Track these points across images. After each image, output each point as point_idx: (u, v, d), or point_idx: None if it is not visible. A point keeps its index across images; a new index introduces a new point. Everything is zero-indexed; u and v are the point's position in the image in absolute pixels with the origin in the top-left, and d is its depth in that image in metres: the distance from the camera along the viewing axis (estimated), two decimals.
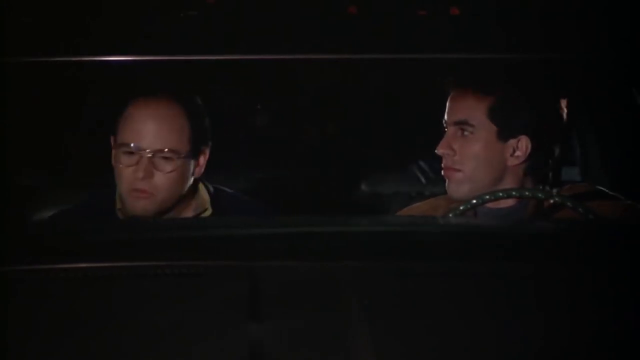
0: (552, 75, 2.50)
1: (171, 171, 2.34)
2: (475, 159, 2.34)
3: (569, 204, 2.11)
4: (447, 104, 2.40)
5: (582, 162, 2.95)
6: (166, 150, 2.33)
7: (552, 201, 2.16)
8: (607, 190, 2.45)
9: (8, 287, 1.42)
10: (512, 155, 2.34)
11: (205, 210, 2.44)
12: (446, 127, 2.39)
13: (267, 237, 1.60)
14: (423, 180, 3.56)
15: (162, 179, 2.34)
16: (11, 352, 1.29)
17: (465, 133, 2.34)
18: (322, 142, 4.25)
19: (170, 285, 1.42)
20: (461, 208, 2.13)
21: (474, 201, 2.15)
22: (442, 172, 2.38)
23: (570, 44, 2.38)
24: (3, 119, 2.68)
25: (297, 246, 1.54)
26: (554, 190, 2.26)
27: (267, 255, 1.50)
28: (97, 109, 3.49)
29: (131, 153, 2.34)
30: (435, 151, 2.38)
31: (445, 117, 2.39)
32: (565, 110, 2.43)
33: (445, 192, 2.40)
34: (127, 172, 2.34)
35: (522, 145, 2.34)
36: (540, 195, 2.21)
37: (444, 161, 2.37)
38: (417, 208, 2.53)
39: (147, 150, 2.33)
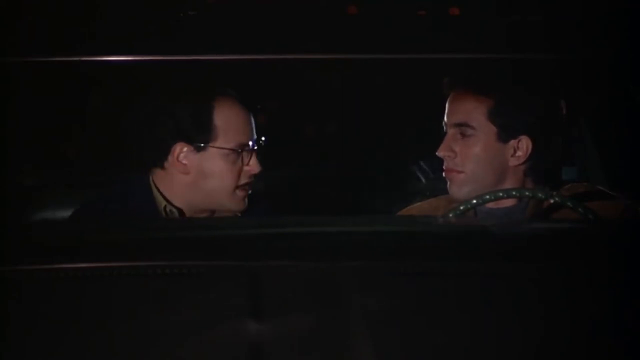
0: (552, 75, 2.50)
1: (259, 163, 2.43)
2: (476, 161, 2.34)
3: (569, 204, 2.11)
4: (447, 105, 2.40)
5: (582, 162, 2.95)
6: (256, 140, 2.44)
7: (552, 201, 2.16)
8: (607, 190, 2.45)
9: (8, 287, 1.42)
10: (512, 155, 2.34)
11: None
12: (446, 129, 2.39)
13: (267, 237, 1.60)
14: (423, 180, 3.56)
15: (259, 172, 2.43)
16: (11, 352, 1.29)
17: (466, 135, 2.34)
18: (322, 142, 4.25)
19: (170, 285, 1.42)
20: (461, 208, 2.13)
21: (474, 201, 2.15)
22: (444, 174, 2.38)
23: (570, 44, 2.38)
24: (3, 119, 2.68)
25: (297, 246, 1.54)
26: (554, 191, 2.26)
27: (267, 255, 1.50)
28: (98, 108, 3.49)
29: (245, 152, 2.40)
30: (437, 153, 2.38)
31: (445, 119, 2.39)
32: (565, 110, 2.43)
33: (445, 192, 2.40)
34: (236, 171, 2.39)
35: (522, 146, 2.34)
36: (540, 195, 2.21)
37: (445, 163, 2.37)
38: (417, 208, 2.53)
39: (255, 144, 2.42)
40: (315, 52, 2.42)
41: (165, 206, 2.41)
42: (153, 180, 2.44)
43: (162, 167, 2.42)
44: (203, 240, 1.59)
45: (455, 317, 1.36)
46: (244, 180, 2.40)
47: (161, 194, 2.42)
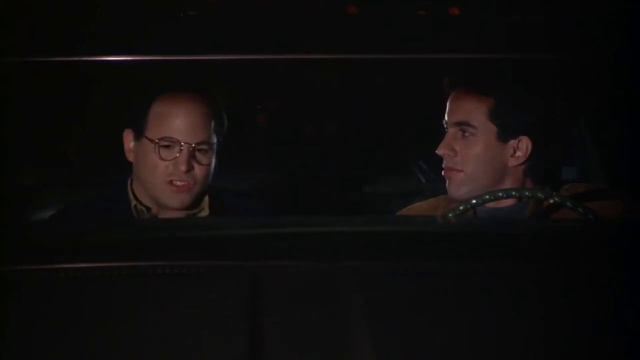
0: (552, 75, 2.50)
1: (207, 164, 2.41)
2: (476, 160, 2.34)
3: (569, 204, 2.11)
4: (448, 104, 2.40)
5: (582, 162, 2.95)
6: (205, 141, 2.40)
7: (552, 201, 2.16)
8: (607, 190, 2.45)
9: (8, 287, 1.42)
10: (512, 155, 2.34)
11: (202, 210, 2.46)
12: (446, 128, 2.39)
13: (267, 237, 1.60)
14: (423, 180, 3.56)
15: (200, 171, 2.40)
16: (11, 352, 1.29)
17: (466, 134, 2.35)
18: (322, 142, 4.25)
19: (170, 285, 1.42)
20: (461, 208, 2.13)
21: (474, 201, 2.15)
22: (443, 173, 2.38)
23: (570, 44, 2.38)
24: (3, 119, 2.67)
25: (297, 246, 1.54)
26: (554, 191, 2.26)
27: (267, 255, 1.50)
28: (98, 108, 3.49)
29: (169, 146, 2.39)
30: (436, 152, 2.38)
31: (446, 117, 2.39)
32: (565, 110, 2.43)
33: (445, 192, 2.41)
34: (163, 166, 2.39)
35: (522, 146, 2.34)
36: (540, 195, 2.21)
37: (444, 162, 2.37)
38: (417, 208, 2.53)
39: (191, 143, 2.38)
40: (315, 52, 2.42)
41: (135, 205, 2.44)
42: (131, 178, 2.48)
43: (127, 158, 2.48)
44: (203, 240, 1.59)
45: (455, 317, 1.36)
46: (172, 176, 2.38)
47: (133, 192, 2.45)
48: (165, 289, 1.41)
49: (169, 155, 2.39)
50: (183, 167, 2.38)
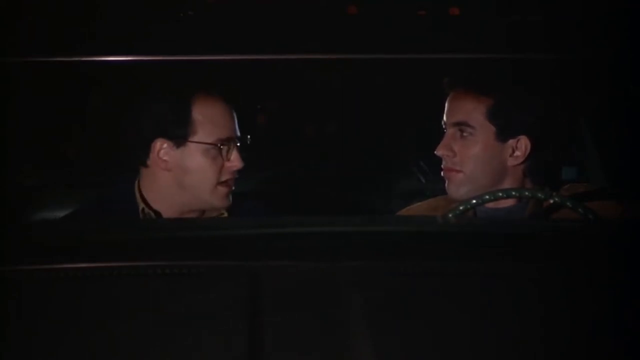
0: (552, 75, 2.50)
1: (242, 160, 2.41)
2: (475, 160, 2.34)
3: (568, 204, 2.11)
4: (446, 105, 2.40)
5: (582, 162, 2.95)
6: (240, 137, 2.42)
7: (552, 201, 2.16)
8: (607, 190, 2.45)
9: (8, 287, 1.42)
10: (511, 155, 2.34)
11: (222, 214, 2.47)
12: (445, 128, 2.39)
13: (267, 237, 1.60)
14: (423, 180, 3.56)
15: (241, 168, 2.42)
16: (11, 352, 1.29)
17: (465, 134, 2.35)
18: (322, 142, 4.25)
19: (170, 285, 1.42)
20: (461, 208, 2.13)
21: (474, 201, 2.15)
22: (442, 173, 2.38)
23: (569, 43, 2.38)
24: (3, 119, 2.67)
25: (297, 246, 1.54)
26: (554, 191, 2.26)
27: (267, 255, 1.50)
28: (98, 108, 3.49)
29: (225, 146, 2.39)
30: (435, 152, 2.38)
31: (444, 118, 2.40)
32: (565, 110, 2.43)
33: (445, 192, 2.41)
34: (218, 167, 2.38)
35: (521, 146, 2.34)
36: (540, 195, 2.21)
37: (443, 162, 2.38)
38: (417, 208, 2.53)
39: (237, 139, 2.40)
40: (315, 52, 2.42)
41: (142, 209, 2.40)
42: (139, 182, 2.44)
43: (146, 166, 2.42)
44: (203, 240, 1.59)
45: (455, 317, 1.36)
46: (225, 176, 2.39)
47: (142, 196, 2.41)
48: (165, 289, 1.41)
49: (224, 156, 2.39)
50: (239, 164, 2.38)
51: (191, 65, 2.49)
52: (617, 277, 1.48)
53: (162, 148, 2.38)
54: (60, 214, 2.62)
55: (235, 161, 2.38)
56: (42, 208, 2.88)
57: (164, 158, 2.38)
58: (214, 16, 2.48)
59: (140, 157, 2.41)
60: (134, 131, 2.42)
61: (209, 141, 2.37)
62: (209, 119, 2.38)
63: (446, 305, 1.39)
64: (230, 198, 2.41)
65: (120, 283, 1.42)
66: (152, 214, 2.40)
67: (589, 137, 2.86)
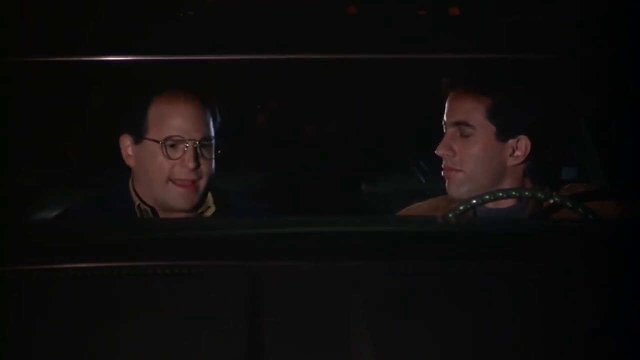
0: (551, 75, 2.50)
1: (211, 158, 2.42)
2: (475, 160, 2.34)
3: (569, 204, 2.11)
4: (446, 104, 2.40)
5: (582, 162, 2.95)
6: (207, 137, 2.41)
7: (552, 201, 2.15)
8: (607, 190, 2.45)
9: (8, 287, 1.42)
10: (511, 155, 2.34)
11: (209, 208, 2.46)
12: (445, 128, 2.39)
13: (267, 237, 1.60)
14: (423, 180, 3.56)
15: (205, 167, 2.41)
16: (11, 352, 1.29)
17: (465, 134, 2.35)
18: (322, 141, 4.25)
19: (170, 285, 1.42)
20: (461, 208, 2.13)
21: (474, 201, 2.15)
22: (442, 173, 2.38)
23: (570, 44, 2.38)
24: (3, 119, 2.67)
25: (297, 246, 1.54)
26: (554, 191, 2.26)
27: (267, 255, 1.50)
28: (98, 108, 3.49)
29: (174, 145, 2.39)
30: (435, 152, 2.38)
31: (445, 117, 2.40)
32: (565, 110, 2.43)
33: (445, 192, 2.40)
34: (169, 166, 2.39)
35: (521, 145, 2.34)
36: (540, 195, 2.21)
37: (443, 162, 2.37)
38: (417, 208, 2.53)
39: (195, 139, 2.38)
40: (315, 52, 2.42)
41: (139, 204, 2.43)
42: (131, 179, 2.47)
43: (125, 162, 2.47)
44: (203, 240, 1.59)
45: (455, 317, 1.36)
46: (178, 175, 2.38)
47: (135, 192, 2.45)
48: (165, 289, 1.41)
49: (176, 154, 2.39)
50: (191, 164, 2.37)
51: (208, 68, 2.50)
52: (617, 277, 1.48)
53: (128, 144, 2.44)
54: (61, 215, 2.62)
55: (188, 161, 2.37)
56: (42, 208, 2.88)
57: (130, 153, 2.44)
58: (214, 16, 2.48)
59: (122, 153, 2.46)
60: (113, 128, 2.47)
61: (157, 139, 2.39)
62: (161, 118, 2.41)
63: (446, 305, 1.39)
64: (191, 199, 2.40)
65: (120, 283, 1.42)
66: (148, 210, 2.42)
67: (589, 137, 2.86)
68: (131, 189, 2.45)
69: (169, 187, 2.39)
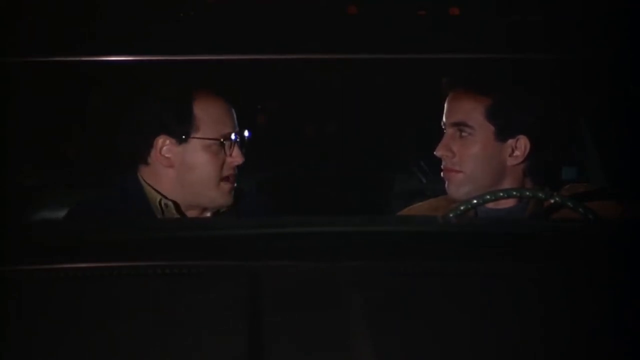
0: (551, 75, 2.50)
1: (243, 155, 2.43)
2: (475, 160, 2.34)
3: (569, 204, 2.11)
4: (445, 105, 2.40)
5: (582, 162, 2.95)
6: (241, 132, 2.44)
7: (552, 201, 2.16)
8: (607, 190, 2.45)
9: (8, 287, 1.42)
10: (511, 155, 2.34)
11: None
12: (445, 129, 2.39)
13: (267, 237, 1.60)
14: (423, 180, 3.56)
15: (242, 163, 2.44)
16: (11, 352, 1.29)
17: (464, 134, 2.35)
18: (322, 142, 4.25)
19: (170, 285, 1.42)
20: (461, 208, 2.13)
21: (475, 201, 2.15)
22: (442, 174, 2.38)
23: (570, 44, 2.38)
24: (3, 119, 2.67)
25: (297, 246, 1.54)
26: (554, 191, 2.26)
27: (267, 255, 1.50)
28: (98, 108, 3.49)
29: (224, 143, 2.40)
30: (435, 153, 2.38)
31: (444, 118, 2.40)
32: (565, 110, 2.43)
33: (445, 192, 2.40)
34: (219, 163, 2.40)
35: (520, 145, 2.34)
36: (540, 195, 2.21)
37: (443, 163, 2.38)
38: (417, 208, 2.53)
39: (238, 135, 2.42)
40: (315, 52, 2.42)
41: (160, 200, 2.42)
42: (142, 177, 2.45)
43: (147, 163, 2.44)
44: (203, 240, 1.59)
45: (455, 317, 1.36)
46: (227, 171, 2.41)
47: (154, 188, 2.43)
48: (165, 289, 1.41)
49: (226, 152, 2.41)
50: (240, 159, 2.41)
51: (192, 64, 2.49)
52: (617, 277, 1.48)
53: (164, 145, 2.41)
54: (60, 214, 2.62)
55: (236, 156, 2.41)
56: (42, 208, 2.88)
57: (167, 155, 2.41)
58: (214, 16, 2.48)
59: (142, 154, 2.44)
60: (135, 129, 2.44)
61: (212, 137, 2.39)
62: (211, 116, 2.42)
63: (446, 305, 1.39)
64: (233, 195, 2.43)
65: (120, 283, 1.42)
66: (171, 205, 2.41)
67: (589, 137, 2.86)
68: (146, 186, 2.43)
69: (220, 185, 2.40)
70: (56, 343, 1.30)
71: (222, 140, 2.40)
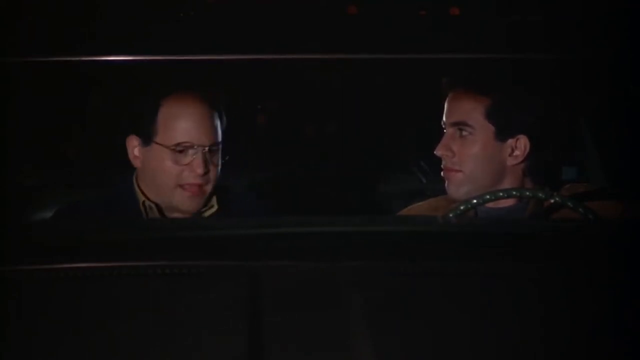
0: (551, 75, 2.50)
1: (217, 164, 2.42)
2: (475, 160, 2.34)
3: (569, 204, 2.11)
4: (445, 105, 2.40)
5: (582, 162, 2.95)
6: (216, 142, 2.40)
7: (552, 201, 2.16)
8: (607, 190, 2.45)
9: (8, 287, 1.42)
10: (510, 154, 2.34)
11: (212, 207, 2.46)
12: (445, 128, 2.39)
13: (267, 237, 1.60)
14: (423, 180, 3.56)
15: (212, 172, 2.41)
16: (11, 352, 1.29)
17: (464, 134, 2.35)
18: (322, 142, 4.25)
19: (170, 285, 1.42)
20: (461, 208, 2.13)
21: (474, 201, 2.15)
22: (442, 173, 2.38)
23: (570, 44, 2.38)
24: (3, 119, 2.67)
25: (297, 246, 1.54)
26: (554, 191, 2.26)
27: (267, 255, 1.50)
28: (98, 108, 3.49)
29: (183, 151, 2.38)
30: (435, 152, 2.38)
31: (444, 118, 2.40)
32: (565, 110, 2.43)
33: (445, 192, 2.40)
34: (177, 171, 2.38)
35: (520, 145, 2.34)
36: (540, 195, 2.21)
37: (443, 162, 2.38)
38: (417, 208, 2.53)
39: (205, 146, 2.38)
40: (315, 52, 2.42)
41: (143, 201, 2.43)
42: (136, 177, 2.47)
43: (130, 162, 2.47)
44: (203, 240, 1.59)
45: (455, 317, 1.36)
46: (186, 180, 2.38)
47: (140, 189, 2.44)
48: (165, 289, 1.41)
49: (184, 160, 2.38)
50: (200, 170, 2.37)
51: (170, 64, 2.49)
52: (617, 277, 1.48)
53: (134, 145, 2.43)
54: (63, 212, 2.61)
55: (196, 166, 2.37)
56: (42, 208, 2.88)
57: (137, 155, 2.43)
58: (214, 16, 2.48)
59: (128, 153, 2.46)
60: (109, 128, 2.47)
61: (167, 144, 2.38)
62: (170, 122, 2.39)
63: (446, 305, 1.39)
64: (198, 203, 2.40)
65: (120, 283, 1.42)
66: (153, 206, 2.42)
67: (589, 137, 2.86)
68: (136, 187, 2.45)
69: (177, 191, 2.39)
70: (56, 343, 1.30)
71: (178, 149, 2.37)
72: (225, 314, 1.34)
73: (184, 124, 2.39)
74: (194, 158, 2.38)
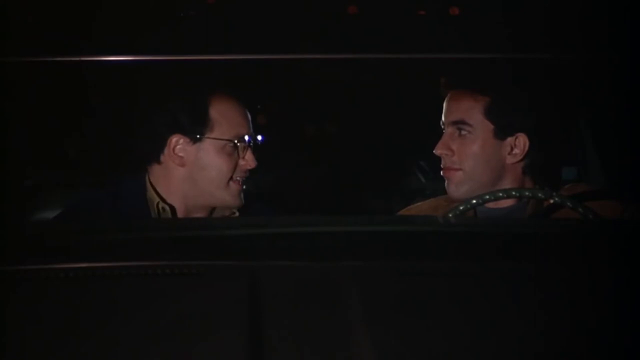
0: (552, 75, 2.50)
1: (255, 160, 2.46)
2: (474, 158, 2.34)
3: (569, 204, 2.11)
4: (444, 104, 2.41)
5: (582, 162, 2.95)
6: (253, 139, 2.46)
7: (552, 201, 2.16)
8: (607, 190, 2.45)
9: (8, 287, 1.42)
10: (510, 153, 2.35)
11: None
12: (444, 128, 2.39)
13: (267, 237, 1.60)
14: (423, 180, 3.56)
15: (254, 167, 2.46)
16: (11, 352, 1.29)
17: (463, 132, 2.35)
18: (322, 142, 4.25)
19: (170, 285, 1.42)
20: (461, 208, 2.13)
21: (474, 201, 2.15)
22: (442, 173, 2.39)
23: (568, 43, 2.38)
24: (3, 119, 2.67)
25: (297, 246, 1.54)
26: (554, 191, 2.26)
27: (267, 255, 1.50)
28: (98, 108, 3.49)
29: (237, 145, 2.42)
30: (434, 152, 2.38)
31: (443, 117, 2.40)
32: (565, 110, 2.43)
33: (445, 192, 2.41)
34: (232, 164, 2.42)
35: (519, 143, 2.34)
36: (540, 195, 2.21)
37: (442, 161, 2.38)
38: (417, 208, 2.54)
39: (252, 138, 2.45)
40: (315, 52, 2.42)
41: (157, 203, 2.43)
42: (149, 178, 2.45)
43: (159, 162, 2.45)
44: (203, 240, 1.59)
45: (455, 317, 1.36)
46: (238, 174, 2.43)
47: (156, 191, 2.44)
48: (165, 289, 1.41)
49: (237, 154, 2.42)
50: (253, 164, 2.43)
51: (208, 65, 2.51)
52: (617, 277, 1.48)
53: (178, 144, 2.43)
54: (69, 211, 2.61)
55: (249, 160, 2.43)
56: (42, 208, 2.88)
57: (180, 154, 2.43)
58: (214, 16, 2.48)
59: (154, 153, 2.45)
60: (148, 128, 2.45)
61: (225, 137, 2.42)
62: (226, 117, 2.44)
63: (446, 305, 1.39)
64: (242, 197, 2.44)
65: (120, 283, 1.42)
66: (167, 208, 2.42)
67: (589, 137, 2.86)
68: (150, 187, 2.45)
69: (230, 185, 2.42)
70: (56, 343, 1.30)
71: (235, 141, 2.42)
72: (225, 314, 1.34)
73: (239, 118, 2.44)
74: (246, 151, 2.43)
